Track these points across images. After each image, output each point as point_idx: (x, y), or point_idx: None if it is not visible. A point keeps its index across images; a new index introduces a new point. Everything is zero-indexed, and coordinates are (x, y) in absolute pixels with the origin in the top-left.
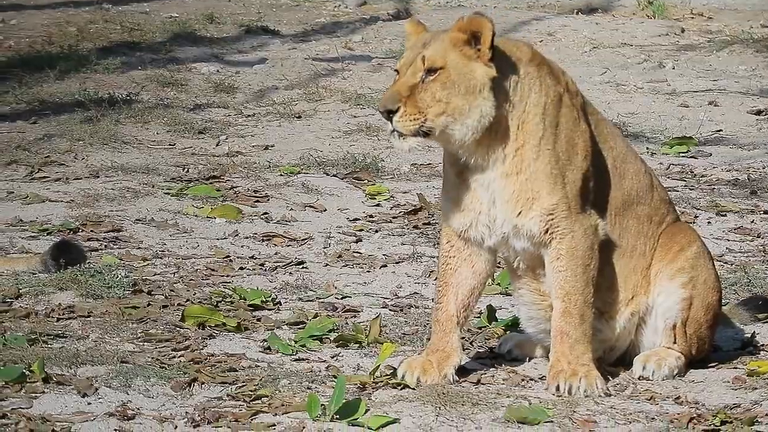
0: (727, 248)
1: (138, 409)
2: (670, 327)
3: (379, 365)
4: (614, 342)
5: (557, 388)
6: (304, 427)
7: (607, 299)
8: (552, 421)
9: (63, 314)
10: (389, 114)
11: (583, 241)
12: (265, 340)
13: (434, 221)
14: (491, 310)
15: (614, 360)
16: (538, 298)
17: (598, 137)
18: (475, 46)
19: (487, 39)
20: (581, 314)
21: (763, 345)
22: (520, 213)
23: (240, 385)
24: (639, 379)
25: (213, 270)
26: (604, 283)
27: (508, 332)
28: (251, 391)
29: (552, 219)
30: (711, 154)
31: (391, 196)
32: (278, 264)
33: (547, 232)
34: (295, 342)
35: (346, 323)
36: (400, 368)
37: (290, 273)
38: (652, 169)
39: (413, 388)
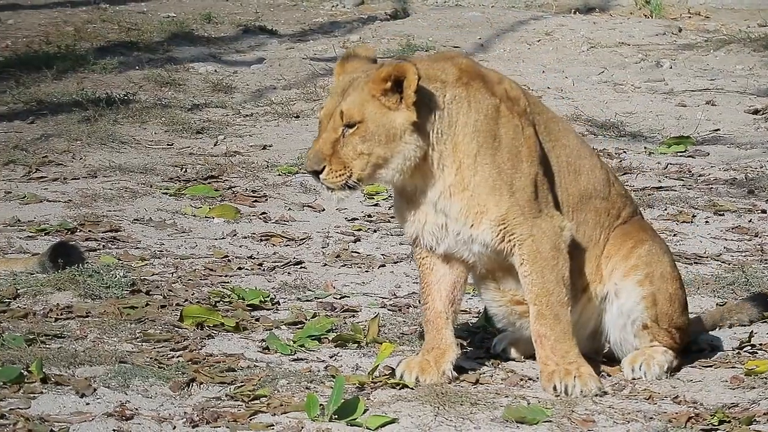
0: (724, 247)
1: (136, 409)
2: (641, 328)
3: (377, 365)
4: (575, 324)
5: (554, 389)
6: (302, 427)
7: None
8: (551, 421)
9: (61, 314)
10: (316, 174)
11: (544, 242)
12: (263, 340)
13: None
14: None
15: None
16: (497, 295)
17: (548, 137)
18: (397, 91)
19: (412, 84)
20: (555, 314)
21: (761, 345)
22: (472, 225)
23: (239, 385)
24: (632, 380)
25: (211, 270)
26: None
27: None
28: (250, 391)
29: (505, 227)
30: (708, 154)
31: (390, 196)
32: (277, 264)
33: (503, 240)
34: (294, 342)
35: (345, 323)
36: (398, 368)
37: (289, 273)
38: (609, 165)
39: (412, 388)
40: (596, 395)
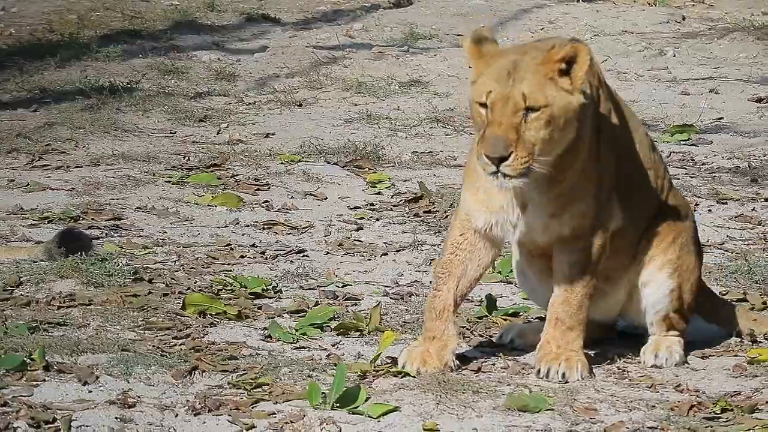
0: (727, 236)
1: (139, 397)
2: (662, 318)
3: (379, 354)
4: (617, 308)
5: (538, 372)
6: (304, 415)
7: (614, 265)
8: (552, 409)
9: (64, 302)
10: (502, 160)
11: (600, 238)
12: (265, 329)
13: (435, 209)
14: (491, 300)
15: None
16: (547, 278)
17: (624, 124)
18: (567, 74)
19: (584, 66)
20: (580, 304)
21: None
22: (553, 215)
23: (241, 373)
24: (651, 367)
25: (214, 258)
26: (616, 247)
27: (508, 322)
28: (252, 379)
29: (583, 220)
30: (712, 142)
31: (392, 184)
32: (279, 252)
33: (573, 230)
34: (296, 330)
35: (347, 311)
36: (400, 357)
37: (291, 261)
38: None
39: (414, 376)
40: (577, 380)
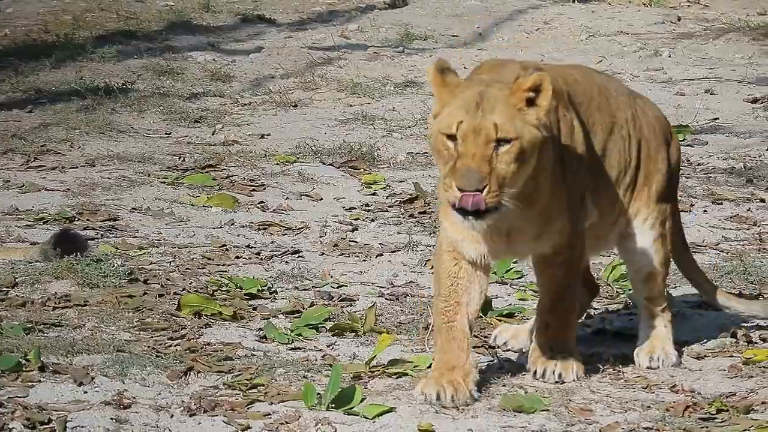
0: (723, 236)
1: (134, 398)
2: (645, 276)
3: (374, 356)
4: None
5: (534, 374)
6: (300, 416)
7: (603, 223)
8: (548, 410)
9: (59, 303)
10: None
11: (578, 248)
12: (261, 329)
13: (430, 210)
14: (486, 301)
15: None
16: None
17: (589, 121)
18: (533, 103)
19: (548, 95)
20: (567, 308)
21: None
22: (536, 237)
23: (236, 374)
24: (647, 369)
25: (209, 259)
26: (603, 209)
27: (503, 323)
28: (247, 380)
29: (561, 238)
30: (707, 143)
31: (387, 185)
32: (274, 253)
33: (553, 248)
34: (291, 331)
35: (342, 312)
36: (425, 389)
37: (286, 262)
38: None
39: (408, 375)
40: (573, 380)
